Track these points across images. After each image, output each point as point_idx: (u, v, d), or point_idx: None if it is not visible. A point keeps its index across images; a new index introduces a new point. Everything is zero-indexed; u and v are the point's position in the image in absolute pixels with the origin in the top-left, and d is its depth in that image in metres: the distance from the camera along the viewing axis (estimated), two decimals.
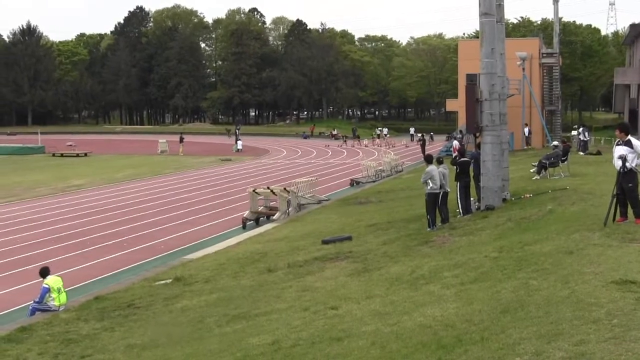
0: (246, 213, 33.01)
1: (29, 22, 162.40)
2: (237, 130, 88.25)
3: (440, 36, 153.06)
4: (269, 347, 11.11)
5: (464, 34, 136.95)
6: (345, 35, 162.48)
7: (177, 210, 37.62)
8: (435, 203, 22.01)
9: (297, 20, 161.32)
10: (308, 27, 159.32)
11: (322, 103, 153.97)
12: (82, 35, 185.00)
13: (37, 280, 19.27)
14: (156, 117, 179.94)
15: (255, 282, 17.91)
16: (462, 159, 24.15)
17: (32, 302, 18.23)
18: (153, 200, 41.64)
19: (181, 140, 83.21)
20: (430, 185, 21.87)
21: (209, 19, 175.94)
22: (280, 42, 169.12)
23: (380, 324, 11.22)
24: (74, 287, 20.68)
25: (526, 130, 60.17)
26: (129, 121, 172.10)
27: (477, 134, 24.66)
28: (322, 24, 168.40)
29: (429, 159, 23.25)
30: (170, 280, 19.87)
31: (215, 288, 18.03)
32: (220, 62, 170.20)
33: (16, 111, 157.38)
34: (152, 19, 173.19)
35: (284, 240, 25.52)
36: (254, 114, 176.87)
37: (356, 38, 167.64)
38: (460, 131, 55.05)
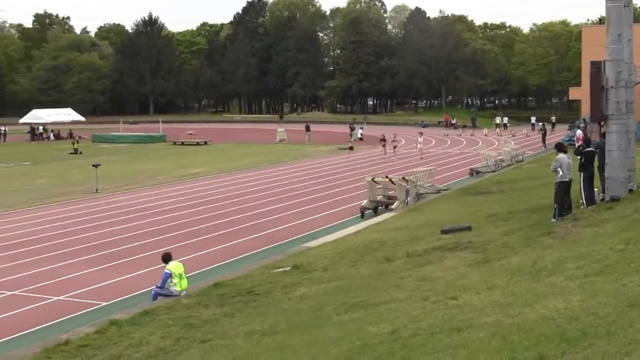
0: (364, 202, 32.92)
1: (150, 13, 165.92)
2: (354, 121, 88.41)
3: (564, 22, 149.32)
4: (388, 337, 11.05)
5: (588, 19, 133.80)
6: (465, 22, 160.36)
7: (294, 198, 37.84)
8: (565, 192, 21.47)
9: (416, 8, 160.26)
10: (427, 15, 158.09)
11: (441, 92, 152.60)
12: (202, 25, 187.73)
13: (159, 266, 19.63)
14: (274, 106, 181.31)
15: (373, 271, 17.87)
16: (587, 149, 23.52)
17: (155, 287, 18.58)
18: (271, 188, 41.97)
19: (307, 129, 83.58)
20: (561, 173, 21.36)
21: (325, 8, 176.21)
22: (399, 30, 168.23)
23: (502, 315, 11.04)
24: (193, 273, 21.00)
25: None
26: (248, 110, 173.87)
27: (602, 123, 24.00)
28: (441, 11, 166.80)
29: (559, 147, 22.67)
30: (289, 268, 19.99)
31: (334, 276, 18.06)
32: (338, 51, 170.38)
33: (138, 101, 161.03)
34: (267, 10, 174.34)
35: (402, 230, 25.40)
36: (372, 103, 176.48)
37: (476, 25, 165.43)
38: (584, 120, 53.79)
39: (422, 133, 62.63)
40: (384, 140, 62.18)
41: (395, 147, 60.21)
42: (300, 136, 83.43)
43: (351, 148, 61.59)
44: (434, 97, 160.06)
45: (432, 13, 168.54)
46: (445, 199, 34.30)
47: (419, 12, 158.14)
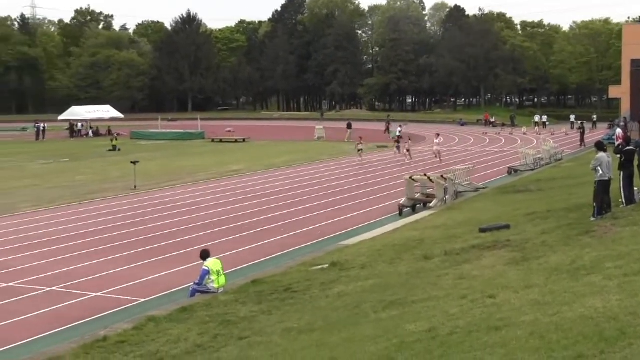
0: (403, 200, 32.87)
1: (189, 10, 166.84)
2: (389, 118, 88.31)
3: (605, 21, 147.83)
4: (426, 334, 11.04)
5: (629, 17, 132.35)
6: (504, 20, 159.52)
7: (332, 196, 37.86)
8: (605, 191, 21.29)
9: (455, 6, 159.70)
10: (466, 13, 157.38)
11: (479, 90, 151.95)
12: (241, 22, 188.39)
13: (197, 263, 19.72)
14: (313, 103, 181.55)
15: (411, 269, 17.84)
16: (627, 148, 23.28)
17: (193, 283, 18.65)
18: (309, 186, 42.05)
19: (349, 126, 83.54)
20: (600, 172, 21.19)
21: (364, 5, 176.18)
22: (438, 28, 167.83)
23: (540, 314, 10.99)
24: (231, 270, 21.04)
25: None
26: (286, 108, 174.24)
27: None
28: (480, 9, 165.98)
29: (599, 146, 22.47)
30: (327, 265, 20.01)
31: (372, 274, 18.05)
32: (377, 49, 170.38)
33: (177, 98, 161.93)
34: (307, 7, 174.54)
35: (440, 228, 25.33)
36: (410, 100, 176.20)
37: (515, 23, 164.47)
38: (624, 118, 53.35)
39: (439, 134, 59.86)
40: (398, 141, 60.81)
41: (408, 150, 56.60)
42: (338, 134, 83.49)
43: (360, 150, 57.24)
44: (473, 95, 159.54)
45: (471, 11, 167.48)
46: (484, 198, 34.17)
47: (458, 10, 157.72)
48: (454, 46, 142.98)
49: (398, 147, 59.71)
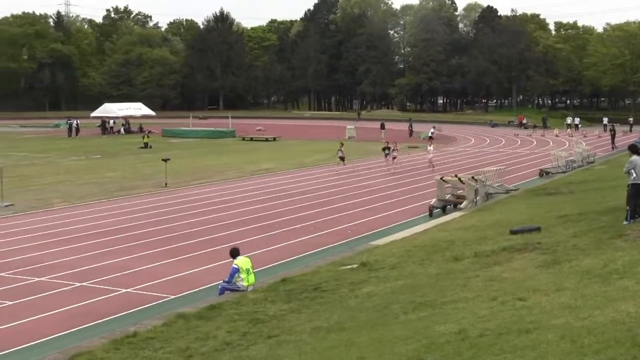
0: (433, 201, 32.80)
1: (222, 9, 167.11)
2: (411, 120, 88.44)
3: None
4: (455, 336, 10.98)
5: None
6: (537, 21, 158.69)
7: (363, 196, 37.85)
8: (638, 195, 21.04)
9: (488, 6, 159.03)
10: (499, 14, 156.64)
11: (511, 91, 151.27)
12: (272, 21, 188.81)
13: (227, 261, 19.75)
14: (344, 103, 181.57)
15: (441, 270, 17.76)
16: None
17: (222, 281, 18.70)
18: (339, 185, 42.05)
19: (382, 127, 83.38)
20: (634, 175, 20.98)
21: (396, 5, 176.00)
22: (470, 29, 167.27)
23: (571, 317, 10.90)
24: (261, 268, 21.06)
25: None
26: (317, 107, 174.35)
27: None
28: (512, 10, 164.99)
29: (633, 149, 22.23)
30: (357, 265, 19.98)
31: (401, 275, 18.00)
32: (408, 49, 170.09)
33: (208, 96, 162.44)
34: (339, 6, 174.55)
35: (471, 229, 25.22)
36: (442, 101, 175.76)
37: (548, 24, 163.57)
38: None
39: (432, 138, 55.37)
40: (387, 147, 52.43)
41: (395, 157, 51.29)
42: (369, 134, 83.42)
43: (342, 159, 52.25)
44: (505, 96, 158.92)
45: (503, 11, 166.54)
46: (515, 199, 33.99)
47: (490, 11, 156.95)
48: (486, 47, 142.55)
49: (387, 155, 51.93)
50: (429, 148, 52.98)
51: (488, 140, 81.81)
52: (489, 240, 21.53)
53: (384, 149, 51.91)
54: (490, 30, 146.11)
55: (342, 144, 54.87)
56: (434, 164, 51.01)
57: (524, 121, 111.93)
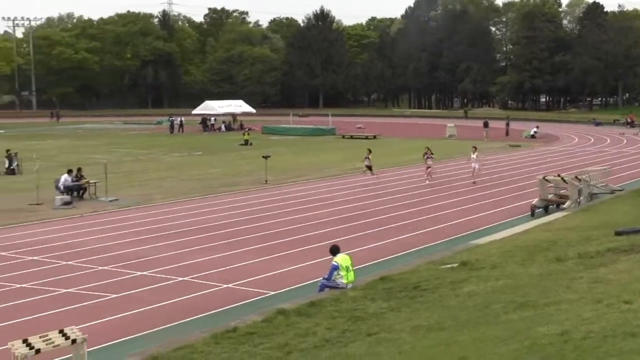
0: (535, 200, 32.31)
1: (322, 7, 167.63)
2: (508, 118, 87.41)
3: None
4: (558, 338, 10.77)
5: None
6: None
7: (462, 195, 37.52)
8: None
9: (594, 2, 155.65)
10: (605, 10, 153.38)
11: (617, 89, 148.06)
12: (372, 19, 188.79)
13: (327, 258, 19.81)
14: (444, 101, 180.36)
15: (543, 271, 17.48)
16: None
17: (322, 278, 18.73)
18: (437, 184, 41.68)
19: (486, 125, 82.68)
20: None
21: (499, 2, 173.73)
22: (574, 25, 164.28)
23: None
24: (360, 266, 21.05)
25: None
26: (417, 105, 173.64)
27: None
28: (619, 5, 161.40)
29: None
30: (457, 264, 19.82)
31: (502, 274, 17.77)
32: (510, 46, 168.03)
33: (308, 93, 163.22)
34: (440, 3, 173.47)
35: (574, 230, 24.77)
36: (544, 99, 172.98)
37: None
38: None
39: (475, 147, 44.52)
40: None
41: (429, 167, 43.78)
42: (470, 132, 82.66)
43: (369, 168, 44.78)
44: (610, 94, 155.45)
45: (610, 7, 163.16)
46: (620, 200, 33.25)
47: (596, 7, 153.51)
48: (591, 44, 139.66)
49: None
50: (472, 156, 43.81)
51: (592, 140, 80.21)
52: (594, 241, 21.11)
53: (424, 155, 44.60)
54: (595, 27, 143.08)
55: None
56: (476, 176, 42.84)
57: (634, 120, 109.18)
